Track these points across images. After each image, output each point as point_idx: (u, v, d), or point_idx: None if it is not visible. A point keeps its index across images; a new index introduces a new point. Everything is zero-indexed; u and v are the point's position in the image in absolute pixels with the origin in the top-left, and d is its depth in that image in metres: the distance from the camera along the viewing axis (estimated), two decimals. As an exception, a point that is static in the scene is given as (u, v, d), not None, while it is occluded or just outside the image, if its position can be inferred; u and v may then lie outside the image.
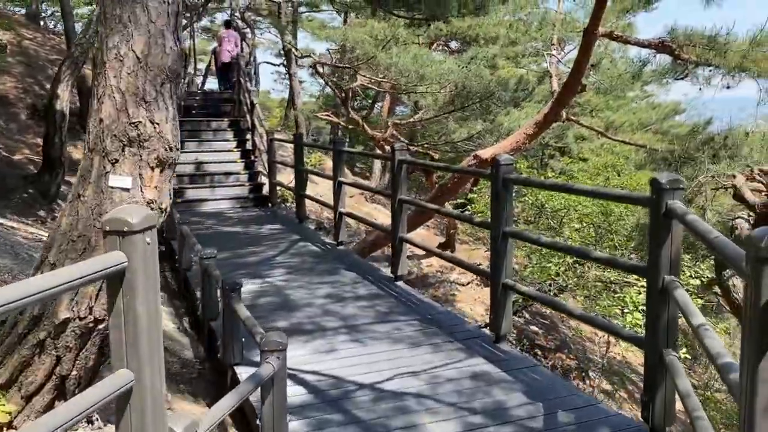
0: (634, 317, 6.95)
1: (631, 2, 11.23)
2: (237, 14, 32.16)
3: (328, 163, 19.44)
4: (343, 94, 10.77)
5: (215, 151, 11.89)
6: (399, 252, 5.97)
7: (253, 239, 8.17)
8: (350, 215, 7.59)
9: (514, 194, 4.61)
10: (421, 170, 13.76)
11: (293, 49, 11.98)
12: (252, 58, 22.09)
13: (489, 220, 4.64)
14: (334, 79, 11.02)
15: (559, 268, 9.17)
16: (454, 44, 16.62)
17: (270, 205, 10.72)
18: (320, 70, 10.61)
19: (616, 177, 11.29)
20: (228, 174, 11.34)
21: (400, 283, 5.96)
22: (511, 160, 4.35)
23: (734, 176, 6.24)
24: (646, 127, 15.15)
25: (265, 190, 11.04)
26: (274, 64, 37.46)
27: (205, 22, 37.91)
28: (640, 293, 6.99)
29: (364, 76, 10.51)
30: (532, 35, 17.17)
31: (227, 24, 16.92)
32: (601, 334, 10.58)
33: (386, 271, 6.42)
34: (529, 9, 9.83)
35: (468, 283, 14.17)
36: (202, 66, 36.12)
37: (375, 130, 11.87)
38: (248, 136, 12.22)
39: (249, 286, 5.88)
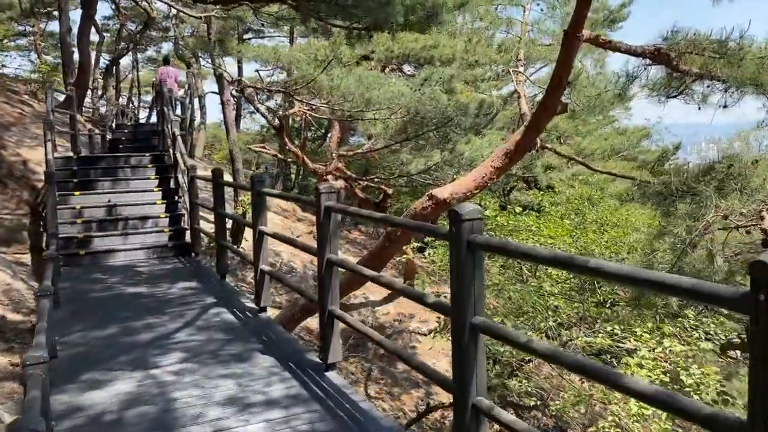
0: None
1: (594, 20, 10.17)
2: (181, 42, 30.64)
3: (276, 201, 17.81)
4: (278, 122, 9.27)
5: (133, 191, 10.19)
6: (329, 332, 4.40)
7: (157, 304, 6.49)
8: (274, 276, 5.96)
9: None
10: (355, 196, 12.20)
11: (224, 74, 10.44)
12: (195, 88, 20.47)
13: (447, 299, 3.15)
14: (270, 106, 9.51)
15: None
16: (408, 69, 15.38)
17: (193, 254, 9.05)
18: (250, 95, 9.09)
19: (590, 210, 9.99)
20: (146, 218, 9.64)
21: (331, 375, 4.37)
22: (478, 213, 2.87)
23: (762, 216, 4.95)
24: (619, 154, 13.96)
25: (188, 236, 9.37)
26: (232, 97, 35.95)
27: (150, 52, 36.44)
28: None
29: (302, 101, 9.02)
30: (492, 56, 16.01)
31: (165, 60, 15.86)
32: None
33: (316, 353, 4.84)
34: (489, 19, 8.59)
35: (430, 332, 12.60)
36: (149, 98, 34.41)
37: (318, 163, 10.36)
38: (173, 173, 10.59)
39: (122, 386, 4.24)
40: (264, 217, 5.99)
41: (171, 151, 10.50)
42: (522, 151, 5.44)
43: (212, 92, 34.72)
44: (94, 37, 38.29)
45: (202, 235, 8.95)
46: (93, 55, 29.87)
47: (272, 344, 5.08)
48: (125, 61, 41.18)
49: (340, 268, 4.49)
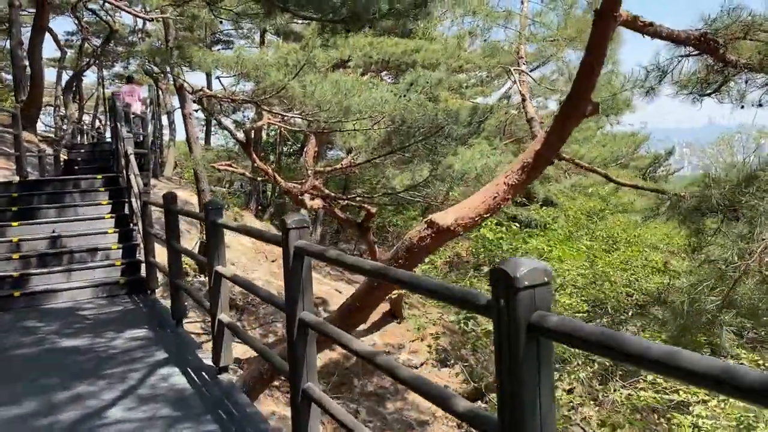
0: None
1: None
2: (148, 59, 29.34)
3: (251, 221, 16.56)
4: (243, 137, 8.12)
5: (82, 219, 8.95)
6: (300, 411, 3.24)
7: (96, 363, 5.27)
8: (235, 331, 4.74)
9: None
10: (334, 216, 11.02)
11: (184, 84, 9.27)
12: (163, 104, 19.23)
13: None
14: (238, 120, 8.36)
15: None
16: (388, 78, 14.36)
17: (148, 292, 7.82)
18: (211, 107, 7.94)
19: (597, 226, 8.96)
20: (95, 250, 8.39)
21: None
22: (542, 273, 1.72)
23: None
24: (618, 161, 13.01)
25: (143, 270, 8.14)
26: (194, 109, 34.64)
27: (117, 68, 35.05)
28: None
29: (272, 113, 7.89)
30: (477, 61, 15.03)
31: (129, 79, 14.89)
32: None
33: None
34: (484, 13, 7.56)
35: (422, 364, 11.46)
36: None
37: (293, 181, 9.21)
38: (127, 197, 9.37)
39: None
40: (222, 253, 4.82)
41: (125, 172, 9.28)
42: (543, 163, 4.37)
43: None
44: (55, 53, 36.79)
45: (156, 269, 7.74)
46: (54, 72, 28.53)
47: (232, 424, 3.90)
48: (91, 78, 39.77)
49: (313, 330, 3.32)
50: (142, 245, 8.35)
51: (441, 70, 9.23)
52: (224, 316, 4.71)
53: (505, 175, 4.43)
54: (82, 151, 13.92)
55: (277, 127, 8.44)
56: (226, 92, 7.55)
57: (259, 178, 9.43)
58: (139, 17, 9.98)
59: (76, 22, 26.34)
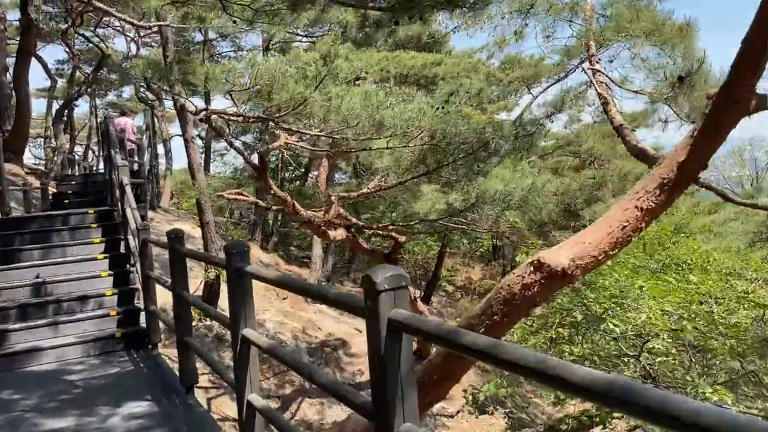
0: None
1: None
2: (143, 86, 28.38)
3: (258, 254, 15.34)
4: (260, 161, 6.96)
5: (71, 262, 7.74)
6: None
7: (84, 456, 4.05)
8: (270, 418, 3.49)
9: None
10: (358, 249, 9.78)
11: (185, 103, 8.14)
12: (159, 131, 18.14)
13: None
14: (247, 141, 7.22)
15: None
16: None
17: (150, 347, 6.60)
18: (219, 127, 6.78)
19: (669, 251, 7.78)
20: (85, 298, 7.18)
21: None
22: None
23: None
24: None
25: (143, 319, 6.93)
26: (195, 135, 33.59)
27: (111, 97, 34.09)
28: None
29: (290, 131, 6.77)
30: (497, 75, 14.02)
31: (122, 112, 14.05)
32: None
33: None
34: (545, 6, 6.47)
35: (458, 412, 10.19)
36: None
37: (311, 209, 8.03)
38: (123, 234, 8.19)
39: None
40: (250, 311, 3.64)
41: (120, 205, 8.11)
42: (688, 178, 3.22)
43: (178, 135, 32.42)
44: (45, 83, 35.82)
45: (159, 319, 6.52)
46: (45, 102, 27.46)
47: None
48: (83, 108, 38.78)
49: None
50: (141, 290, 7.15)
51: (479, 79, 8.13)
52: (256, 398, 3.50)
53: (635, 197, 3.26)
54: (73, 183, 12.73)
55: (279, 151, 7.36)
56: (237, 111, 6.41)
57: (274, 207, 8.26)
58: (135, 25, 8.91)
59: (67, 50, 25.39)
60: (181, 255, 5.03)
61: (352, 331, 11.57)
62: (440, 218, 7.50)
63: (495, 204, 7.16)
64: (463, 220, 7.55)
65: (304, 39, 16.75)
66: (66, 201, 11.62)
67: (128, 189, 7.43)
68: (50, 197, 11.83)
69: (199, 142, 33.41)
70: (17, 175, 12.91)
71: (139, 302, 7.34)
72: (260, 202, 8.10)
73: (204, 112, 6.53)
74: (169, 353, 7.97)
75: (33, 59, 21.93)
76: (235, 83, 6.23)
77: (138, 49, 26.47)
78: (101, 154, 12.15)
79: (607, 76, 5.79)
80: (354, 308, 2.28)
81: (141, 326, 6.92)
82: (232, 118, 6.54)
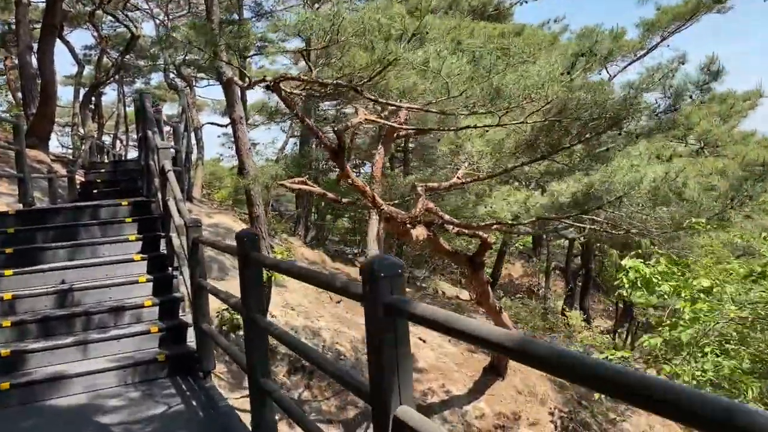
0: None
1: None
2: (173, 72, 27.19)
3: (302, 251, 13.97)
4: (338, 142, 5.53)
5: (102, 263, 6.41)
6: None
7: None
8: None
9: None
10: (440, 250, 8.35)
11: (239, 73, 6.75)
12: (190, 118, 16.89)
13: None
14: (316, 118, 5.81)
15: None
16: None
17: (201, 374, 5.23)
18: (289, 97, 5.36)
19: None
20: (120, 310, 5.84)
21: None
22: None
23: None
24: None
25: (191, 337, 5.57)
26: (221, 125, 32.41)
27: (139, 84, 33.05)
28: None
29: (379, 102, 5.34)
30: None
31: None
32: None
33: None
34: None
35: (551, 440, 8.71)
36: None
37: (383, 201, 6.58)
38: (164, 231, 6.85)
39: None
40: (407, 376, 2.26)
41: (159, 196, 6.76)
42: None
43: (210, 123, 31.23)
44: (72, 69, 34.90)
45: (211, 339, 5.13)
46: (72, 89, 26.41)
47: None
48: (111, 96, 37.85)
49: None
50: (186, 299, 5.81)
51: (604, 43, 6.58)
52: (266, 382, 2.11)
53: None
54: (102, 171, 11.48)
55: (354, 122, 5.98)
56: (312, 76, 4.99)
57: (344, 200, 6.83)
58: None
59: (95, 33, 24.30)
60: (255, 263, 3.61)
61: (417, 341, 10.15)
62: (554, 216, 5.99)
63: (630, 197, 5.65)
64: (597, 218, 6.04)
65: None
66: (95, 191, 10.39)
67: (172, 176, 6.06)
68: (78, 187, 10.59)
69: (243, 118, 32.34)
70: (42, 162, 11.70)
71: (185, 315, 6.00)
72: (329, 194, 6.69)
73: (272, 79, 5.12)
74: (222, 383, 6.65)
75: (60, 43, 20.84)
76: (313, 35, 4.80)
77: (168, 33, 25.29)
78: (138, 134, 10.80)
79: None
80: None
81: (188, 347, 5.57)
82: (311, 84, 5.10)
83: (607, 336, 16.30)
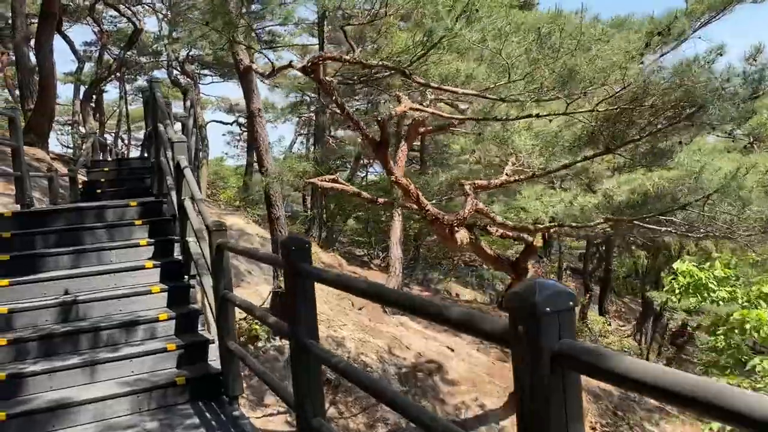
0: None
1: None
2: (176, 69, 26.45)
3: (319, 254, 13.27)
4: (380, 132, 4.83)
5: (109, 272, 5.72)
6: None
7: None
8: None
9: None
10: (481, 253, 7.71)
11: (253, 61, 6.06)
12: (195, 115, 16.22)
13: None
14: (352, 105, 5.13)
15: None
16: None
17: (226, 398, 4.54)
18: (328, 83, 4.65)
19: None
20: (132, 324, 5.14)
21: None
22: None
23: None
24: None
25: (214, 356, 4.89)
26: (226, 123, 31.67)
27: (141, 81, 32.33)
28: None
29: (429, 86, 4.65)
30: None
31: None
32: None
33: None
34: None
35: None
36: (141, 134, 30.17)
37: (422, 199, 5.89)
38: (177, 235, 6.17)
39: None
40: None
41: (173, 195, 6.06)
42: None
43: (215, 121, 30.52)
44: (71, 65, 34.15)
45: (241, 359, 4.43)
46: (72, 87, 25.66)
47: None
48: (112, 95, 37.11)
49: None
50: (208, 312, 5.13)
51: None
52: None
53: None
54: (106, 169, 10.78)
55: (397, 110, 5.28)
56: (355, 56, 4.30)
57: (380, 200, 6.14)
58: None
59: (95, 29, 23.58)
60: (306, 276, 2.92)
61: (445, 350, 9.46)
62: (643, 215, 5.29)
63: (728, 194, 4.96)
64: (675, 219, 5.34)
65: None
66: (99, 191, 9.69)
67: (189, 173, 5.37)
68: (80, 186, 9.89)
69: (237, 130, 31.43)
70: (41, 160, 11.01)
71: (204, 330, 5.32)
72: (364, 193, 5.99)
73: (310, 60, 4.41)
74: (241, 399, 5.99)
75: (59, 39, 20.13)
76: (350, 8, 4.13)
77: (171, 29, 24.59)
78: (146, 129, 10.10)
79: None
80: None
81: (211, 366, 4.88)
82: (354, 64, 4.41)
83: (632, 339, 15.63)
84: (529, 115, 4.74)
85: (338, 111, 4.86)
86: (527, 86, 4.67)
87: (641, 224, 5.56)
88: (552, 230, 5.80)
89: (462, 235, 5.84)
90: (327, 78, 4.84)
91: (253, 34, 5.88)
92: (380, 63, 4.39)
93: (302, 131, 25.36)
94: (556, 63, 4.45)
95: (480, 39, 4.55)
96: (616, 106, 4.77)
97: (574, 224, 5.50)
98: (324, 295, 9.73)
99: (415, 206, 5.34)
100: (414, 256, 16.79)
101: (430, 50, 4.68)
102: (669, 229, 5.39)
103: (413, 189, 5.24)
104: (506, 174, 5.86)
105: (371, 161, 28.05)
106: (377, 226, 16.56)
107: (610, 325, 14.02)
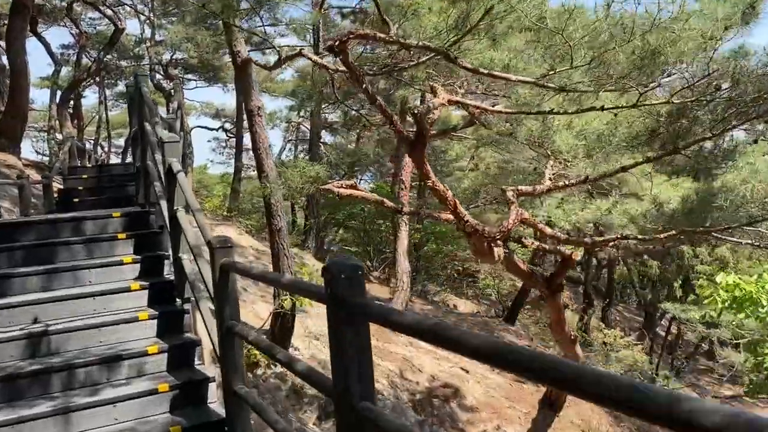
0: None
1: None
2: (159, 73, 25.49)
3: (316, 267, 12.46)
4: (416, 127, 4.05)
5: (87, 295, 4.85)
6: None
7: None
8: None
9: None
10: (515, 269, 6.94)
11: (247, 52, 5.35)
12: (183, 118, 15.32)
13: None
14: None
15: None
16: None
17: (236, 457, 3.70)
18: (357, 69, 3.87)
19: None
20: (115, 360, 4.29)
21: None
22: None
23: None
24: None
25: (214, 397, 4.06)
26: (212, 128, 30.74)
27: (121, 86, 31.27)
28: None
29: (475, 71, 3.90)
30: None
31: None
32: None
33: None
34: None
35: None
36: (121, 141, 29.09)
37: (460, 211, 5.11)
38: (168, 251, 5.33)
39: None
40: None
41: (162, 205, 5.22)
42: None
43: (199, 126, 29.61)
44: (47, 69, 32.95)
45: (249, 404, 3.60)
46: (48, 92, 24.58)
47: None
48: (91, 100, 35.91)
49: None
50: (206, 342, 4.31)
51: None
52: None
53: None
54: (85, 176, 9.86)
55: (436, 103, 4.55)
56: (392, 33, 3.54)
57: (405, 210, 5.35)
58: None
59: (73, 30, 22.55)
60: (366, 317, 2.15)
61: (459, 372, 8.68)
62: (719, 226, 4.57)
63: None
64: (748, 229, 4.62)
65: None
66: (76, 200, 8.77)
67: (183, 178, 4.55)
68: (56, 195, 8.98)
69: (223, 136, 30.44)
70: (12, 167, 10.08)
71: (202, 365, 4.49)
72: (387, 201, 5.20)
73: (338, 37, 3.63)
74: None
75: (35, 40, 19.13)
76: None
77: (153, 31, 23.68)
78: (130, 129, 9.22)
79: None
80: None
81: (213, 412, 4.04)
82: (391, 43, 3.63)
83: (638, 347, 14.97)
84: (591, 108, 4.01)
85: (368, 101, 4.11)
86: (591, 73, 3.92)
87: (719, 235, 4.86)
88: (611, 243, 5.08)
89: (500, 250, 5.09)
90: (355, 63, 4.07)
91: (257, 18, 5.08)
92: (421, 43, 3.63)
93: (291, 137, 24.52)
94: (629, 45, 3.71)
95: (538, 17, 3.81)
96: (693, 98, 4.06)
97: (640, 237, 4.78)
98: (322, 313, 8.93)
99: (451, 216, 4.59)
100: (415, 267, 16.07)
101: (467, 33, 3.92)
102: (750, 241, 4.68)
103: (450, 196, 4.47)
104: (549, 179, 5.13)
105: (366, 167, 27.27)
106: (376, 236, 15.78)
107: (623, 338, 13.42)
